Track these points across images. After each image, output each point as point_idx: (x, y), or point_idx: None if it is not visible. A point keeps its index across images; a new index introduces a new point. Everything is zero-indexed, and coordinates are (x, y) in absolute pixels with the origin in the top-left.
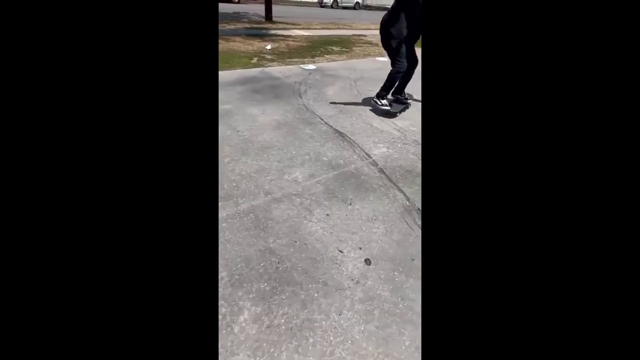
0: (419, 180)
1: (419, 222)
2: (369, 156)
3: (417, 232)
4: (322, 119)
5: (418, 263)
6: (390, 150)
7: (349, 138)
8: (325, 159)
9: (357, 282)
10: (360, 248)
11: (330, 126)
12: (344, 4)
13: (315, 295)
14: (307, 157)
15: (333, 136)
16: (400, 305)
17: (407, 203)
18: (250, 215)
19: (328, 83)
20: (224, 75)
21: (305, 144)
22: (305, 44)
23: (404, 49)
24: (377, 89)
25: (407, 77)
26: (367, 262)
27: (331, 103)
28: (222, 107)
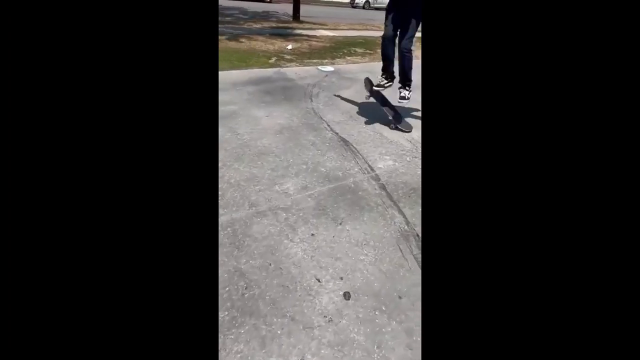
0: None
1: (415, 252)
2: (372, 169)
3: (411, 263)
4: (328, 125)
5: (405, 302)
6: (396, 164)
7: (354, 147)
8: (323, 169)
9: (330, 321)
10: (342, 278)
11: (336, 133)
12: (377, 5)
13: (279, 332)
14: (304, 166)
15: (337, 144)
16: (375, 356)
17: (405, 227)
18: (228, 229)
19: (343, 86)
20: (237, 74)
21: (305, 152)
22: (328, 45)
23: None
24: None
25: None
26: (346, 295)
27: (343, 103)
28: (227, 107)
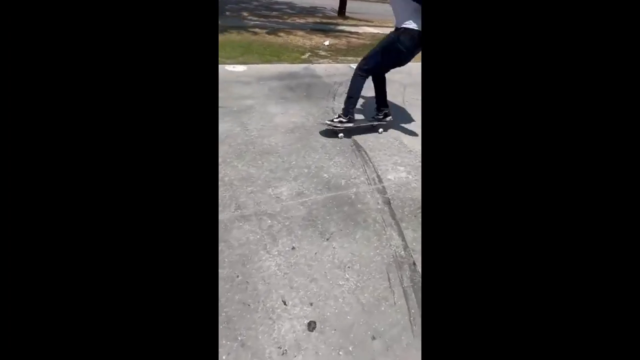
0: None
1: (406, 284)
2: (380, 180)
3: (398, 297)
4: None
5: (379, 344)
6: (410, 177)
7: (366, 154)
8: (325, 175)
9: (283, 354)
10: (311, 304)
11: (351, 137)
12: None
13: (223, 358)
14: (306, 170)
15: (348, 149)
16: None
17: (402, 252)
18: None
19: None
20: (264, 68)
21: (311, 154)
22: (368, 42)
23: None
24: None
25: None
26: (311, 326)
27: (367, 104)
28: (244, 102)
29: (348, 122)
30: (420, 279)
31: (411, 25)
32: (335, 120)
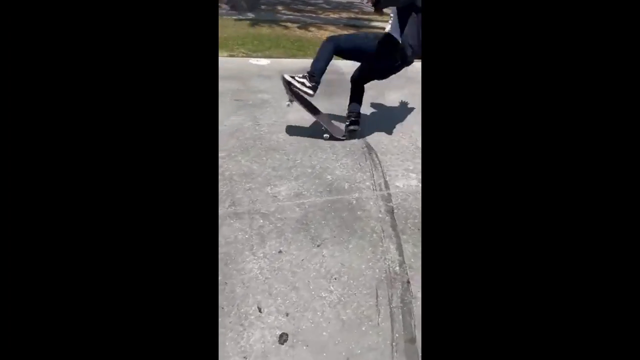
0: None
1: (395, 303)
2: (387, 187)
3: (383, 318)
4: (369, 125)
5: None
6: (421, 185)
7: (377, 157)
8: (328, 177)
9: None
10: (288, 314)
11: (364, 138)
12: None
13: None
14: (310, 170)
15: (358, 150)
16: None
17: (396, 268)
18: None
19: (397, 86)
20: (287, 63)
21: (318, 154)
22: None
23: None
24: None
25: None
26: (282, 338)
27: (388, 103)
28: (259, 96)
29: (310, 88)
30: (412, 300)
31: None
32: (298, 77)
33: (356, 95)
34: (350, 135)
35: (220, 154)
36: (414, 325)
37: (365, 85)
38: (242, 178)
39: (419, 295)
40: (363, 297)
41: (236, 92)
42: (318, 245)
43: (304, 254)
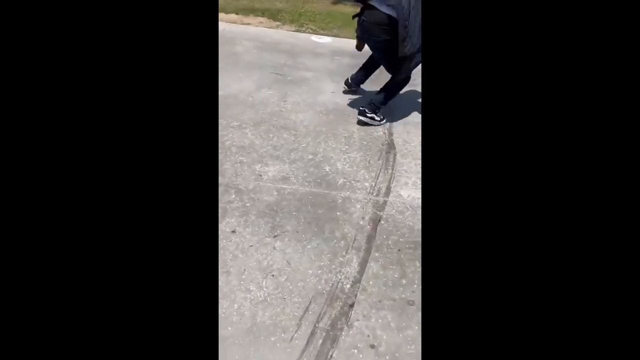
0: (411, 267)
1: (323, 323)
2: (387, 194)
3: (299, 337)
4: (391, 122)
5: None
6: None
7: (394, 158)
8: (327, 168)
9: None
10: None
11: (390, 133)
12: None
13: None
14: (310, 156)
15: (375, 147)
16: None
17: (347, 286)
18: None
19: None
20: (350, 43)
21: (329, 142)
22: None
23: None
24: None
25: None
26: None
27: None
28: (303, 74)
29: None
30: (344, 328)
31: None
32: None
33: (385, 86)
34: (359, 123)
35: (233, 123)
36: (331, 357)
37: (417, 80)
38: (240, 150)
39: (358, 325)
40: (291, 305)
41: (280, 66)
42: (275, 236)
43: (255, 240)
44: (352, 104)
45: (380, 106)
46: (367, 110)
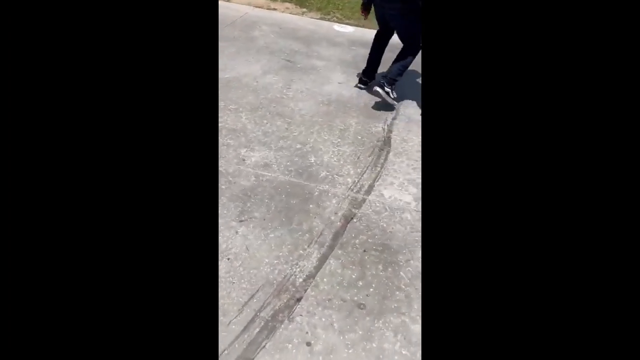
0: (372, 270)
1: (264, 313)
2: (369, 192)
3: (238, 321)
4: (394, 119)
5: None
6: (411, 205)
7: (387, 156)
8: (311, 160)
9: None
10: None
11: (390, 130)
12: None
13: None
14: (299, 146)
15: (371, 143)
16: None
17: (299, 280)
18: None
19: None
20: (364, 33)
21: (322, 134)
22: None
23: None
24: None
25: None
26: None
27: None
28: (315, 62)
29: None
30: (285, 321)
31: None
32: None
33: (398, 55)
34: (374, 93)
35: (230, 106)
36: (263, 347)
37: None
38: (230, 133)
39: (299, 320)
40: (237, 290)
41: (293, 53)
42: (240, 221)
43: (221, 223)
44: (356, 97)
45: (397, 78)
46: (385, 84)
